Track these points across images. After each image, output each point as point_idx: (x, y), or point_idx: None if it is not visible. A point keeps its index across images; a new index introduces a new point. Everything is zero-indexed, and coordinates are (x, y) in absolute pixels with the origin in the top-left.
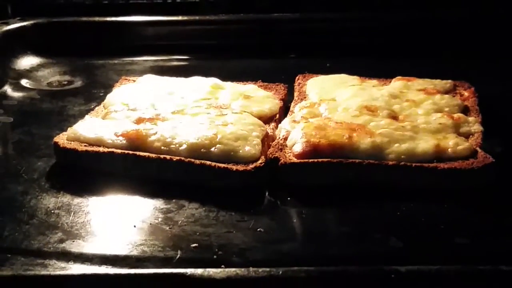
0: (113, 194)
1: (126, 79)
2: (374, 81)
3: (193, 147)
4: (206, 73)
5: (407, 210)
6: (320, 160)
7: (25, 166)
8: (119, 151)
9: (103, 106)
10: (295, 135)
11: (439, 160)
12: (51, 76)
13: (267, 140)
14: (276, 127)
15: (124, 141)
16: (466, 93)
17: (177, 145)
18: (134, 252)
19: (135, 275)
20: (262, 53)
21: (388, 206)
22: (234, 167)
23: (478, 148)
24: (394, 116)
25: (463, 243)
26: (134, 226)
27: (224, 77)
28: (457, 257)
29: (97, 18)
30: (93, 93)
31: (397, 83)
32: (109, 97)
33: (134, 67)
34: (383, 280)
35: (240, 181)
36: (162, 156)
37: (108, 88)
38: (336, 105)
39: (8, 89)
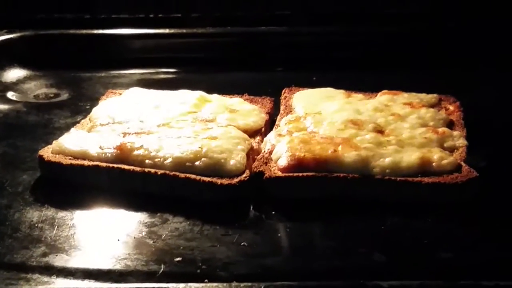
0: (98, 208)
1: (112, 92)
2: (360, 95)
3: (178, 161)
4: (193, 86)
5: (391, 224)
6: (305, 174)
7: (10, 179)
8: (104, 164)
9: (89, 119)
10: (280, 149)
11: (424, 174)
12: (38, 88)
13: (252, 153)
14: (262, 140)
15: (109, 155)
16: (451, 107)
17: (162, 159)
18: (118, 266)
19: None
20: (249, 66)
21: (372, 220)
22: (219, 181)
23: (462, 163)
24: (379, 130)
25: (446, 258)
26: (118, 240)
27: (211, 90)
28: (440, 271)
29: (84, 31)
30: (79, 106)
31: (382, 97)
32: (95, 110)
33: (121, 80)
34: None
35: (225, 195)
36: (147, 169)
37: (94, 101)
38: (322, 119)
39: None
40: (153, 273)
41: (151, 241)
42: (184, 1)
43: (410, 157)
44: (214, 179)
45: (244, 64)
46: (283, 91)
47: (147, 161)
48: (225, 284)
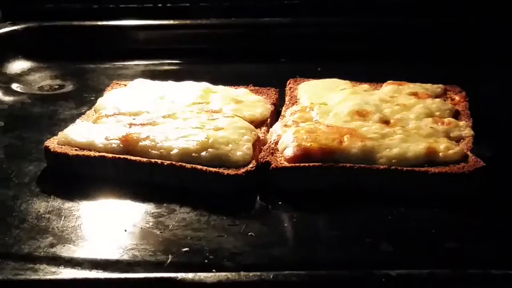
0: (104, 198)
1: (117, 83)
2: (365, 86)
3: (184, 152)
4: (198, 77)
5: (397, 214)
6: (311, 164)
7: (16, 171)
8: (110, 155)
9: (94, 110)
10: (286, 139)
11: (430, 165)
12: (42, 80)
13: (258, 144)
14: (267, 131)
15: (115, 146)
16: (457, 97)
17: (168, 150)
18: (125, 257)
19: (126, 279)
20: (254, 58)
21: (379, 210)
22: (225, 171)
23: (469, 152)
24: (385, 121)
25: (453, 247)
26: (125, 231)
27: (216, 81)
28: (447, 261)
29: (88, 22)
30: (84, 97)
31: (388, 88)
32: (100, 101)
33: (126, 71)
34: (374, 285)
35: (231, 185)
36: (153, 160)
37: (99, 92)
38: (327, 110)
39: None
40: (160, 263)
41: (158, 232)
42: None
43: (416, 147)
44: (221, 170)
45: (249, 55)
46: (288, 82)
47: (153, 152)
48: (232, 274)
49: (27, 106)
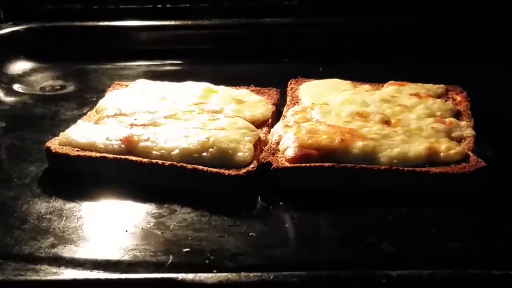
0: (105, 199)
1: (118, 84)
2: (367, 86)
3: (185, 152)
4: (199, 78)
5: (399, 214)
6: (312, 164)
7: (17, 171)
8: (111, 156)
9: (96, 111)
10: (287, 140)
11: (431, 165)
12: (44, 80)
13: (259, 144)
14: (269, 131)
15: (116, 146)
16: (458, 98)
17: (169, 150)
18: (126, 257)
19: (127, 280)
20: (255, 58)
21: (380, 211)
22: (226, 172)
23: (470, 153)
24: (386, 121)
25: (454, 247)
26: (126, 231)
27: (217, 82)
28: (448, 261)
29: (90, 23)
30: (86, 98)
31: (389, 88)
32: (102, 102)
33: (127, 72)
34: (375, 285)
35: (233, 186)
36: (154, 161)
37: (100, 93)
38: (329, 110)
39: (0, 93)
40: (161, 264)
41: (159, 232)
42: None
43: (417, 147)
44: (222, 170)
45: (250, 55)
46: (290, 82)
47: (154, 152)
48: (233, 275)
49: (28, 107)
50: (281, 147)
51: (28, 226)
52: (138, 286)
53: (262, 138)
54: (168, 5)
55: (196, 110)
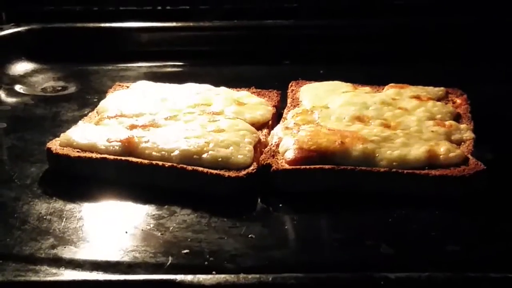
0: (105, 200)
1: (119, 85)
2: (367, 88)
3: (185, 154)
4: (200, 79)
5: (398, 216)
6: (312, 166)
7: (18, 172)
8: (111, 157)
9: (97, 112)
10: (287, 142)
11: (431, 167)
12: (45, 81)
13: (259, 146)
14: (269, 133)
15: (117, 147)
16: (458, 100)
17: (170, 152)
18: (126, 258)
19: (126, 281)
20: (256, 60)
21: (379, 213)
22: (226, 174)
23: (469, 155)
24: (386, 124)
25: (454, 250)
26: (126, 232)
27: (218, 83)
28: (447, 264)
29: (91, 24)
30: (87, 99)
31: (389, 90)
32: (103, 103)
33: (128, 73)
34: (374, 287)
35: (232, 188)
36: (154, 162)
37: (101, 94)
38: (329, 112)
39: (1, 94)
40: (161, 265)
41: (159, 233)
42: None
43: (417, 150)
44: (222, 172)
45: (251, 57)
46: (290, 84)
47: (154, 153)
48: (232, 276)
49: (30, 108)
50: (281, 149)
51: (28, 227)
52: None
53: (262, 140)
54: (168, 7)
55: (197, 111)
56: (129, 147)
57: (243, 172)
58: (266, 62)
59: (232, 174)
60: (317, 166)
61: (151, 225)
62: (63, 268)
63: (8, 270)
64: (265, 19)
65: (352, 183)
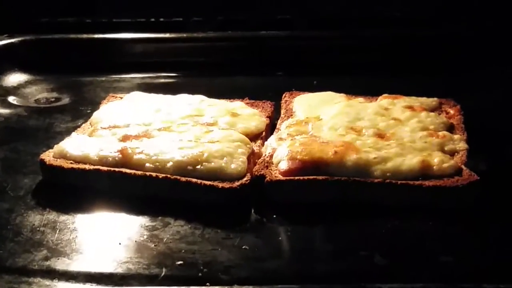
0: (99, 212)
1: (113, 96)
2: (361, 99)
3: (179, 165)
4: (193, 90)
5: (392, 227)
6: (305, 177)
7: (11, 183)
8: (105, 168)
9: (90, 123)
10: (281, 153)
11: (425, 178)
12: (39, 93)
13: (253, 157)
14: (262, 144)
15: (110, 159)
16: (451, 111)
17: (163, 163)
18: (119, 270)
19: None
20: (250, 71)
21: (373, 224)
22: (220, 185)
23: (463, 166)
24: (380, 134)
25: (447, 261)
26: (120, 244)
27: (211, 95)
28: (441, 275)
29: (85, 35)
30: (80, 110)
31: (383, 101)
32: (96, 114)
33: (122, 84)
34: None
35: (226, 199)
36: (148, 173)
37: (95, 105)
38: (323, 123)
39: None
40: (154, 277)
41: (153, 245)
42: (186, 5)
43: (411, 160)
44: (215, 183)
45: (244, 68)
46: (284, 95)
47: (148, 165)
48: (226, 287)
49: (23, 119)
50: (274, 160)
51: (21, 238)
52: None
53: (256, 151)
54: (162, 19)
55: (190, 122)
56: (122, 158)
57: (237, 183)
58: (259, 73)
59: (226, 185)
60: (311, 177)
61: (145, 237)
62: (57, 280)
63: (1, 282)
64: (259, 30)
65: (346, 194)
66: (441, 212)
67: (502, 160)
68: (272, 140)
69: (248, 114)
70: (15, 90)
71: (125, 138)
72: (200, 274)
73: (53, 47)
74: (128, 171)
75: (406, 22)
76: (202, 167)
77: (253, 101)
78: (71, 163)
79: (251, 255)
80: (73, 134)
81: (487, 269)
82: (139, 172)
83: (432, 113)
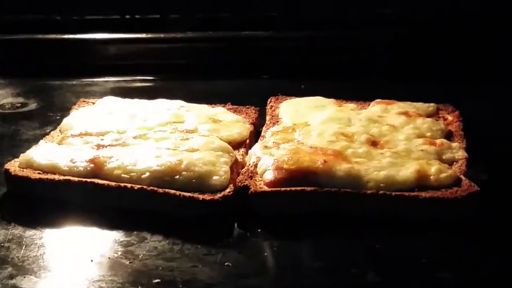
0: (69, 226)
1: (84, 101)
2: (352, 105)
3: (156, 175)
4: (172, 95)
5: (386, 242)
6: (293, 188)
7: None
8: (76, 179)
9: (59, 130)
10: (266, 162)
11: (421, 189)
12: (3, 97)
13: (236, 167)
14: (246, 153)
15: (82, 169)
16: (450, 117)
17: (139, 173)
18: None
19: None
20: (232, 74)
21: (366, 238)
22: (201, 196)
23: (462, 176)
24: (372, 142)
25: (446, 278)
26: (91, 261)
27: (191, 99)
28: None
29: (54, 36)
30: (49, 116)
31: (376, 107)
32: (66, 121)
33: (94, 88)
34: None
35: (207, 211)
36: (122, 184)
37: (65, 111)
38: (311, 130)
39: None
40: None
41: (127, 262)
42: (162, 1)
43: (406, 170)
44: (195, 195)
45: (226, 71)
46: (269, 100)
47: (122, 175)
48: None
49: None
50: (259, 169)
51: None
52: None
53: (239, 160)
54: (138, 16)
55: (168, 129)
56: (94, 168)
57: (219, 195)
58: (243, 76)
59: (207, 197)
60: (299, 188)
61: (119, 253)
62: None
63: None
64: (242, 30)
65: (336, 206)
66: (438, 225)
67: (504, 169)
68: (256, 149)
69: (231, 121)
70: None
71: (97, 147)
72: None
73: (18, 48)
74: (101, 182)
75: (400, 23)
76: (181, 177)
77: (236, 106)
78: (38, 173)
79: (234, 272)
80: (41, 142)
81: (488, 285)
82: (113, 183)
83: (428, 119)
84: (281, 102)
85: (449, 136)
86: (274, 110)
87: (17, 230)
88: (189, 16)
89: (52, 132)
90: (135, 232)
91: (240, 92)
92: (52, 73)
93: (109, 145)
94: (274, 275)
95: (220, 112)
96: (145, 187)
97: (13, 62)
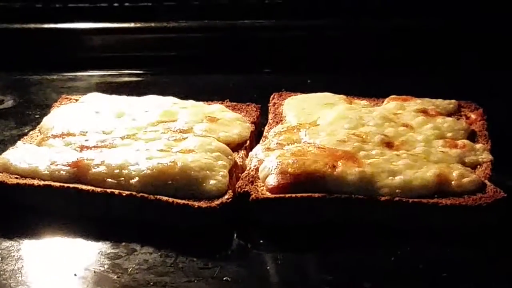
0: (50, 236)
1: (67, 98)
2: (364, 101)
3: (146, 180)
4: (163, 91)
5: (402, 254)
6: (298, 195)
7: None
8: (57, 184)
9: (39, 130)
10: (269, 165)
11: (441, 195)
12: None
13: (235, 171)
14: (247, 155)
15: (64, 173)
16: (473, 115)
17: (127, 178)
18: None
19: None
20: (231, 67)
21: (380, 250)
22: (196, 204)
23: (486, 181)
24: (387, 143)
25: None
26: (75, 275)
27: (185, 96)
28: None
29: (32, 25)
30: (27, 114)
31: (390, 104)
32: (46, 120)
33: (77, 84)
34: None
35: (203, 220)
36: (109, 190)
37: (45, 108)
38: (319, 130)
39: None
40: None
41: (115, 276)
42: None
43: (424, 174)
44: (190, 202)
45: (224, 64)
46: (272, 96)
47: (109, 180)
48: None
49: None
50: (261, 174)
51: None
52: None
53: (239, 163)
54: (127, 3)
55: (160, 129)
56: (78, 172)
57: (216, 202)
58: (243, 70)
59: (203, 204)
60: (305, 194)
61: (106, 266)
62: None
63: None
64: (241, 19)
65: (346, 214)
66: (460, 235)
67: None
68: (258, 150)
69: (229, 119)
70: None
71: (81, 148)
72: None
73: None
74: (85, 187)
75: (417, 11)
76: (174, 182)
77: (235, 103)
78: (16, 178)
79: None
80: (19, 143)
81: None
82: (99, 189)
83: (449, 118)
84: (285, 99)
85: (472, 136)
86: (277, 108)
87: None
88: (183, 3)
89: (30, 132)
90: (123, 243)
91: (239, 88)
92: (31, 67)
93: (94, 147)
94: None
95: (218, 109)
96: (134, 193)
97: None
